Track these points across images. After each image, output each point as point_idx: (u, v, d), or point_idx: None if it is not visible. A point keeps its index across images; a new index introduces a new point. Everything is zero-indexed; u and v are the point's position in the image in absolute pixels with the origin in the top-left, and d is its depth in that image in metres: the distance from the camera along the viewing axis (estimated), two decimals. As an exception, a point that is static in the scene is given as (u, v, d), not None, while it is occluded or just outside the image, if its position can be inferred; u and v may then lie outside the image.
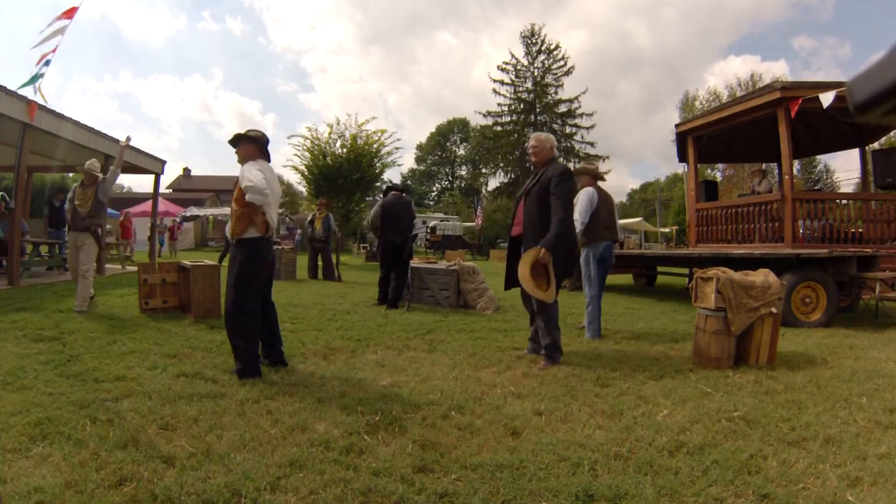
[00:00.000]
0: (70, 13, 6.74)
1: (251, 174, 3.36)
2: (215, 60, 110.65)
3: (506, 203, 39.50)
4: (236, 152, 3.62)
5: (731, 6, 76.77)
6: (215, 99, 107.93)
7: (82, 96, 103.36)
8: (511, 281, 4.18)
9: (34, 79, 6.89)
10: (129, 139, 6.12)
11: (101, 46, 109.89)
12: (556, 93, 40.79)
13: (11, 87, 7.11)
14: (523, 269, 3.80)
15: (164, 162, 13.01)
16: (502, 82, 41.05)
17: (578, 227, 4.89)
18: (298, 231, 21.82)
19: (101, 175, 6.11)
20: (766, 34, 74.94)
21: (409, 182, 53.95)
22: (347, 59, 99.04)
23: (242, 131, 3.68)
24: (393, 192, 7.35)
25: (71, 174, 30.02)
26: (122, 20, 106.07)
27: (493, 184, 44.12)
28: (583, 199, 5.10)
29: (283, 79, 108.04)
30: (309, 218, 11.56)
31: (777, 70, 72.42)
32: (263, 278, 3.56)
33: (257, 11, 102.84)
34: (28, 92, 7.23)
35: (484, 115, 41.75)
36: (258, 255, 3.48)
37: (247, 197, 3.35)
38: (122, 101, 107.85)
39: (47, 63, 7.02)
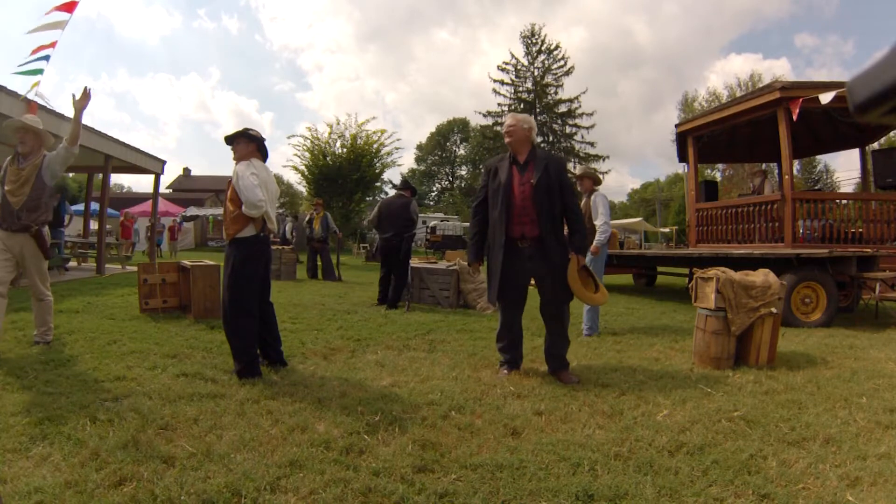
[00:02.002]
0: (70, 7, 6.71)
1: (245, 182, 3.32)
2: (212, 59, 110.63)
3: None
4: (233, 150, 3.57)
5: (731, 2, 76.65)
6: (212, 98, 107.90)
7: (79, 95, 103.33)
8: (515, 291, 3.56)
9: (33, 72, 6.87)
10: (88, 91, 3.88)
11: (97, 45, 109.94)
12: (556, 93, 40.75)
13: (11, 87, 7.12)
14: (575, 284, 3.53)
15: (164, 162, 13.02)
16: (502, 82, 41.02)
17: (609, 230, 5.06)
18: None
19: (39, 130, 3.99)
20: (767, 31, 74.82)
21: (408, 182, 53.91)
22: (344, 58, 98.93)
23: (237, 130, 3.62)
24: (396, 192, 7.45)
25: (71, 174, 30.04)
26: (118, 18, 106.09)
27: (493, 184, 44.14)
28: (605, 204, 5.19)
29: (279, 77, 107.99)
30: (307, 218, 11.58)
31: (779, 68, 72.40)
32: (259, 278, 3.55)
33: (253, 10, 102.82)
34: (25, 88, 7.23)
35: (484, 115, 41.73)
36: (253, 255, 3.47)
37: (243, 209, 3.35)
38: (119, 100, 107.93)
39: (46, 58, 7.00)
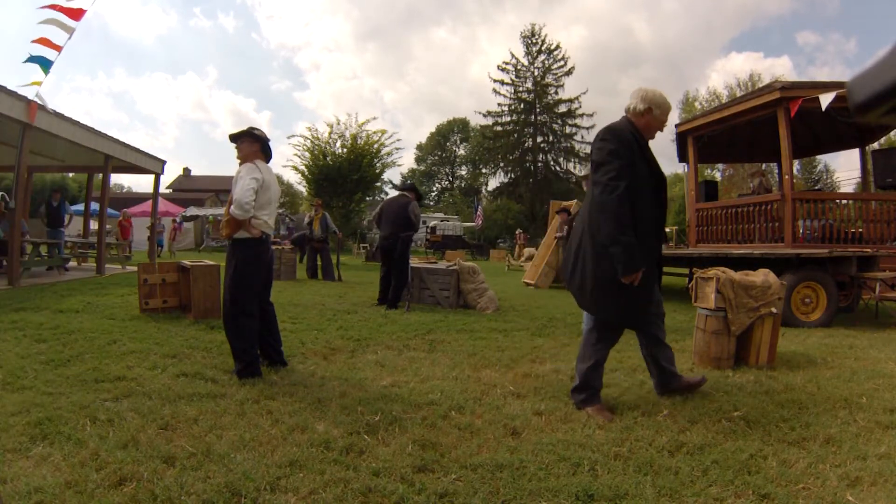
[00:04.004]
0: (77, 14, 6.77)
1: (242, 183, 3.33)
2: (209, 58, 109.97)
3: (506, 203, 39.50)
4: (237, 148, 3.57)
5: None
6: (210, 97, 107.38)
7: (76, 95, 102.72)
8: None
9: (44, 64, 6.92)
10: None
11: (94, 44, 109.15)
12: (556, 93, 40.82)
13: (10, 87, 7.12)
14: None
15: (164, 162, 13.01)
16: (502, 82, 41.09)
17: None
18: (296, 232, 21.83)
19: None
20: (768, 29, 74.04)
21: (406, 181, 53.92)
22: (342, 56, 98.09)
23: (241, 129, 3.62)
24: (399, 192, 7.53)
25: (71, 174, 30.10)
26: (113, 17, 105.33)
27: (493, 184, 44.23)
28: None
29: (277, 76, 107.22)
30: (307, 220, 11.60)
31: (780, 67, 71.75)
32: (261, 279, 3.55)
33: (249, 8, 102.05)
34: (26, 88, 7.26)
35: (484, 115, 41.82)
36: (255, 256, 3.47)
37: (231, 209, 3.36)
38: (116, 100, 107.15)
39: (49, 63, 7.04)
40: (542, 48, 40.84)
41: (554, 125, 40.94)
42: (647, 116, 2.84)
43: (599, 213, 2.68)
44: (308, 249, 11.30)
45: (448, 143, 56.77)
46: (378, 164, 20.44)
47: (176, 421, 2.51)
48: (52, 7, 6.64)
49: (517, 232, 27.72)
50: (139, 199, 27.25)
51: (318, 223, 11.02)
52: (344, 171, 19.36)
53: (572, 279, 2.90)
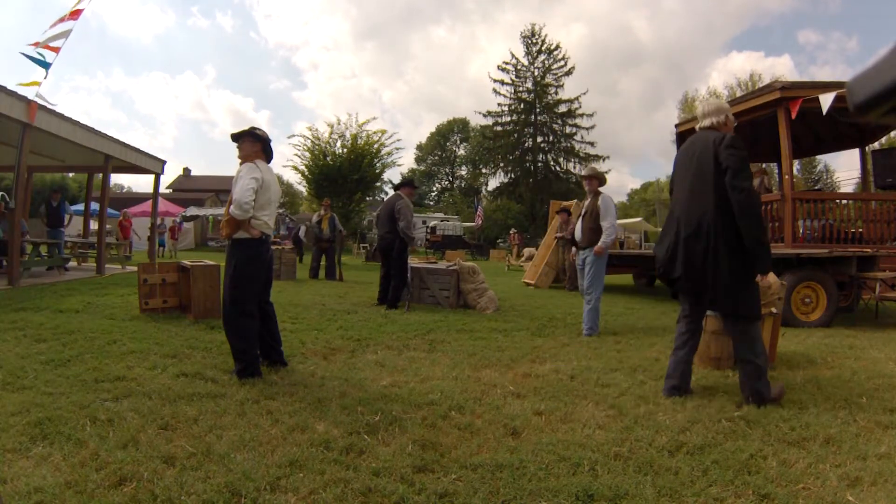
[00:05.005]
0: (75, 14, 6.81)
1: (242, 183, 3.33)
2: (207, 57, 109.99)
3: (506, 203, 39.51)
4: (238, 147, 3.57)
5: (733, -3, 75.83)
6: (208, 97, 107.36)
7: (75, 94, 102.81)
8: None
9: (44, 65, 6.96)
10: None
11: (91, 44, 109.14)
12: (556, 93, 40.80)
13: (10, 86, 7.13)
14: None
15: (164, 162, 13.01)
16: (502, 82, 41.06)
17: (615, 232, 5.12)
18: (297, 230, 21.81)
19: None
20: (770, 28, 74.03)
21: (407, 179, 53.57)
22: (341, 55, 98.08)
23: (243, 129, 3.61)
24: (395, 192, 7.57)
25: (71, 174, 30.11)
26: (111, 17, 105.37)
27: (493, 184, 44.21)
28: (613, 205, 5.23)
29: (275, 76, 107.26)
30: (315, 220, 11.63)
31: (781, 66, 71.84)
32: (261, 279, 3.55)
33: (247, 7, 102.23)
34: (26, 89, 7.27)
35: (484, 115, 41.80)
36: (255, 256, 3.47)
37: (231, 209, 3.36)
38: (115, 99, 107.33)
39: (47, 65, 7.07)
40: (542, 48, 40.82)
41: (554, 125, 40.92)
42: (728, 125, 3.17)
43: (748, 218, 2.86)
44: (314, 249, 11.33)
45: (448, 143, 56.77)
46: (378, 165, 20.45)
47: (176, 421, 2.51)
48: (62, 20, 6.72)
49: (511, 232, 26.75)
50: (139, 199, 27.25)
51: (327, 223, 11.07)
52: (344, 171, 19.38)
53: (703, 285, 2.99)
